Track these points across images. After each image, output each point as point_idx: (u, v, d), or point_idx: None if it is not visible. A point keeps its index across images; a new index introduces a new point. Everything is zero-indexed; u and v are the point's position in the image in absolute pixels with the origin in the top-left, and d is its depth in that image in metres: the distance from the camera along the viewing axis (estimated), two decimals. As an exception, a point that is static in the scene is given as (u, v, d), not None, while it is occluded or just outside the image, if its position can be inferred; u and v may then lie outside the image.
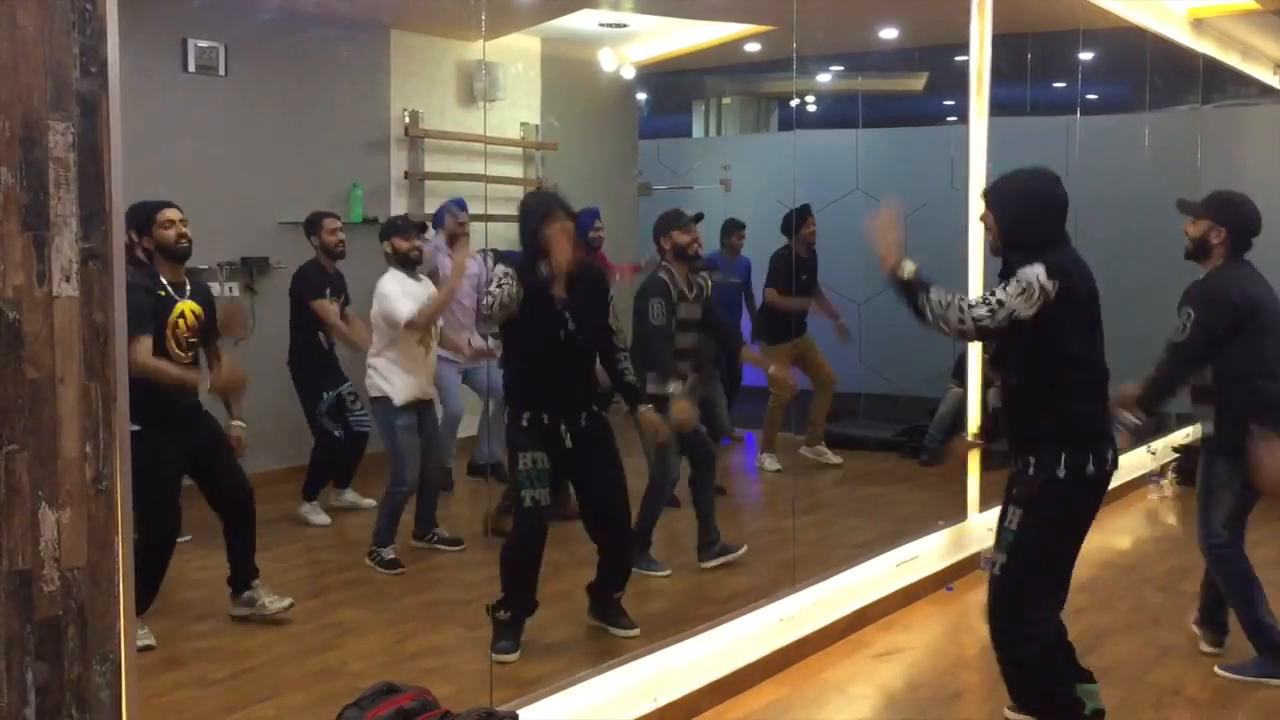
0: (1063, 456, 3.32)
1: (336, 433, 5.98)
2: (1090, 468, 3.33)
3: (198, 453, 4.43)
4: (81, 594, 2.40)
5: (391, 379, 5.29)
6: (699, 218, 5.48)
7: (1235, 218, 4.16)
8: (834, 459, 7.50)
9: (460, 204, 6.37)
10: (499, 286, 4.12)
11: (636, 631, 4.45)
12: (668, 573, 5.23)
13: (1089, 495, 3.41)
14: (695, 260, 5.29)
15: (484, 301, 4.22)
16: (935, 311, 3.34)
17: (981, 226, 3.59)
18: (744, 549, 5.37)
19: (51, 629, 2.36)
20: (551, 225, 4.18)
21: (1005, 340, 3.40)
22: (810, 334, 7.36)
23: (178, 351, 4.34)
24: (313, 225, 5.95)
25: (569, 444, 4.27)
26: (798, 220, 6.90)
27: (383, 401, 5.33)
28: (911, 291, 3.38)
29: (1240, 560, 4.23)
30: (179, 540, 4.45)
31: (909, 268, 3.39)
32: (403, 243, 5.40)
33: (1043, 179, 3.44)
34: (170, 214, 4.35)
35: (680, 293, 5.21)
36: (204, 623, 4.59)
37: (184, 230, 4.37)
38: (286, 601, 4.58)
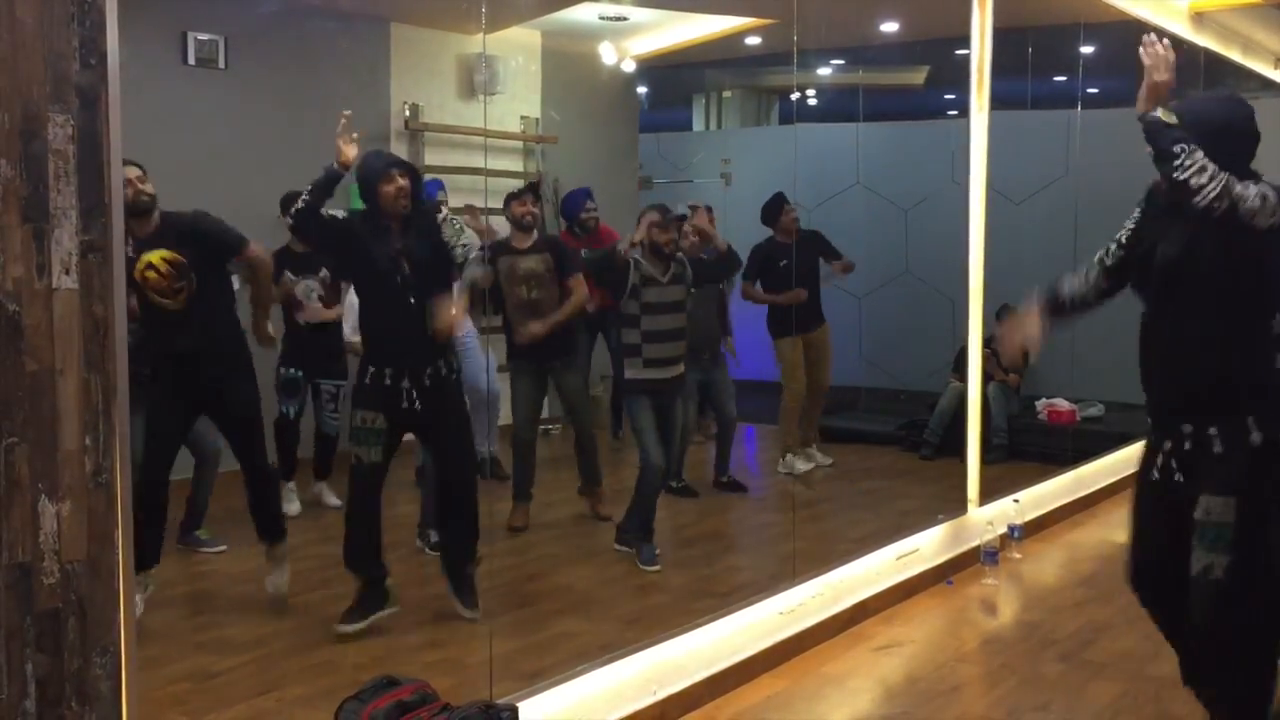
0: (1250, 420, 2.83)
1: (283, 409, 5.84)
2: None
3: (206, 402, 4.46)
4: (81, 586, 2.41)
5: None
6: (683, 218, 5.56)
7: None
8: (813, 462, 7.22)
9: (440, 186, 6.33)
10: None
11: (476, 615, 4.42)
12: (657, 568, 5.18)
13: None
14: (671, 258, 5.33)
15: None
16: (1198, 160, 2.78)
17: (982, 218, 3.49)
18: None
19: (51, 621, 2.36)
20: (385, 184, 4.25)
21: (1193, 273, 2.90)
22: (827, 328, 7.15)
23: (161, 301, 4.32)
24: (287, 205, 5.89)
25: (414, 404, 4.27)
26: (774, 210, 6.84)
27: None
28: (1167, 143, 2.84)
29: None
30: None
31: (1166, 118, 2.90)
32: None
33: (1234, 104, 3.06)
34: (128, 171, 4.24)
35: (646, 277, 5.26)
36: (204, 615, 4.60)
37: (141, 187, 4.31)
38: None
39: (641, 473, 5.29)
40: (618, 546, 5.37)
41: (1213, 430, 2.88)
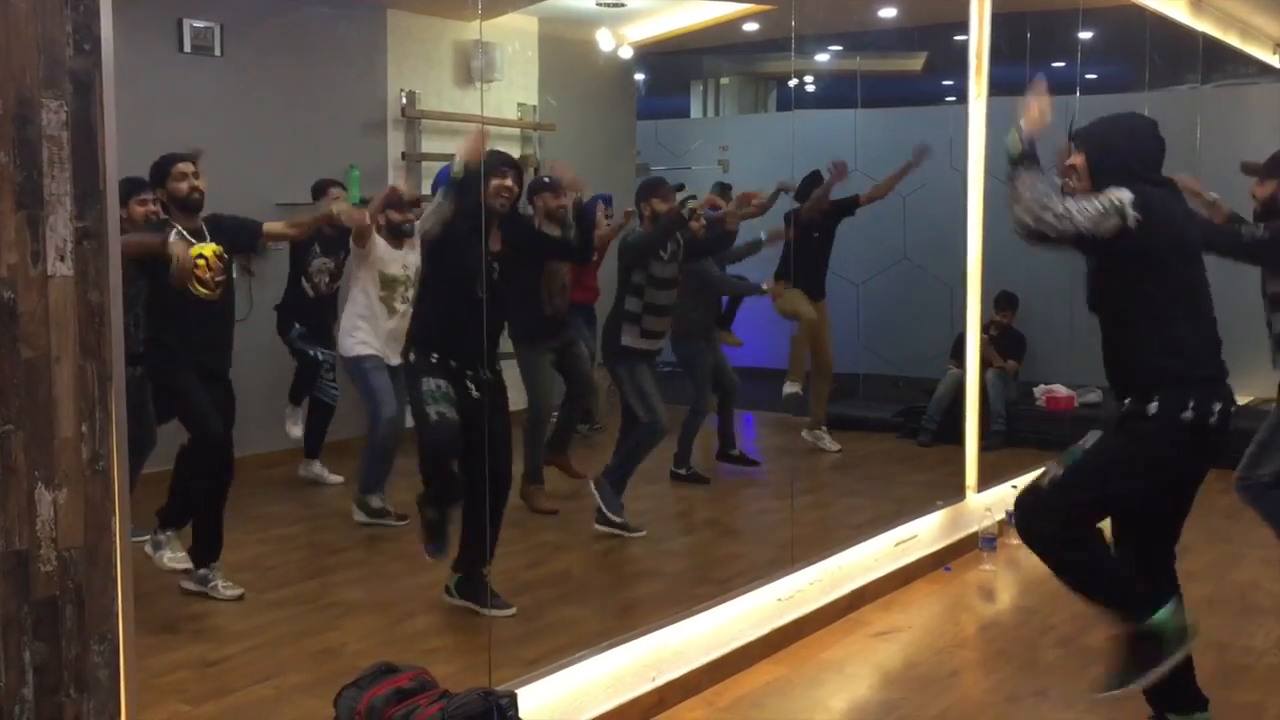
0: (1155, 396, 3.18)
1: (311, 352, 6.10)
2: (1189, 413, 3.15)
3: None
4: (79, 574, 2.40)
5: (350, 334, 5.48)
6: (680, 187, 5.73)
7: None
8: (832, 446, 7.26)
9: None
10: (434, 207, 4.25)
11: (513, 610, 4.32)
12: (643, 532, 5.32)
13: (1180, 438, 3.20)
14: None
15: (419, 225, 4.35)
16: (1018, 190, 3.20)
17: (980, 204, 3.55)
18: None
19: (49, 609, 2.36)
20: (496, 180, 4.30)
21: (1097, 281, 3.33)
22: (825, 305, 7.16)
23: (201, 290, 4.49)
24: (319, 193, 6.05)
25: (474, 393, 4.31)
26: (815, 186, 6.94)
27: (344, 359, 5.58)
28: (1013, 165, 3.28)
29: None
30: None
31: (1017, 149, 3.29)
32: (396, 215, 5.51)
33: (1136, 117, 3.45)
34: (183, 166, 4.55)
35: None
36: (203, 604, 4.58)
37: (195, 183, 4.55)
38: (238, 591, 4.55)
39: (646, 430, 5.33)
40: (599, 526, 5.32)
41: (1126, 400, 3.28)
